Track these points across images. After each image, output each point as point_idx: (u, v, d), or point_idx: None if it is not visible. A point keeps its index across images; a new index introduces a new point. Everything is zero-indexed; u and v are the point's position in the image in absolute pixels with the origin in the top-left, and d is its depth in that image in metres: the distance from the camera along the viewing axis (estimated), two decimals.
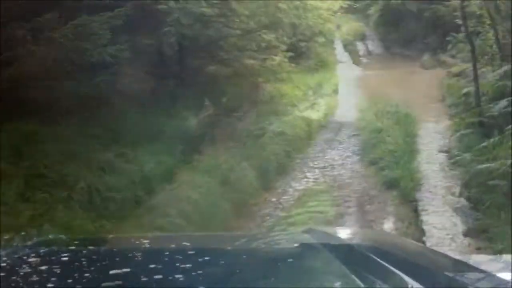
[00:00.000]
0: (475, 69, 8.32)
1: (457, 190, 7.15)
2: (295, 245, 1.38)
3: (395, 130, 9.71)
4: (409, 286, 0.86)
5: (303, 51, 14.48)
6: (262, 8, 8.58)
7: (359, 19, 25.68)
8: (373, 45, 22.88)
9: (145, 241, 1.42)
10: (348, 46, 22.08)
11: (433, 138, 10.20)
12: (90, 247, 1.33)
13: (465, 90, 8.47)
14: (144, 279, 0.95)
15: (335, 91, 14.62)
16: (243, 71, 9.28)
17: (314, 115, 11.06)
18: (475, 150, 6.93)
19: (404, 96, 13.05)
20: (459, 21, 15.53)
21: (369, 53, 21.86)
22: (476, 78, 8.18)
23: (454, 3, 18.30)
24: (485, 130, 7.84)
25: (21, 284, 0.97)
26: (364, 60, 20.88)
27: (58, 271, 1.03)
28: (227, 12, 8.35)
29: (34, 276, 1.00)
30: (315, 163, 9.00)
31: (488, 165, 5.91)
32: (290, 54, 12.47)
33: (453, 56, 17.90)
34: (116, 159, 5.83)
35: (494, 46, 10.11)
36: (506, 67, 8.61)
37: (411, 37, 20.62)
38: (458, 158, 7.25)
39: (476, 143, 7.97)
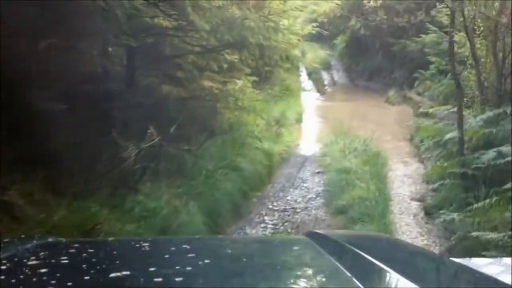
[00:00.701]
0: (460, 112, 7.35)
1: (436, 251, 6.08)
2: (295, 248, 1.34)
3: (365, 171, 8.62)
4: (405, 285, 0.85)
5: (268, 76, 13.33)
6: (227, 24, 7.33)
7: (324, 48, 25.03)
8: (338, 76, 22.12)
9: (145, 244, 1.37)
10: (313, 75, 21.21)
11: (403, 183, 9.18)
12: (90, 250, 1.30)
13: (448, 136, 7.39)
14: (144, 282, 0.96)
15: (299, 121, 13.53)
16: (200, 94, 7.99)
17: (276, 147, 9.86)
18: (467, 211, 5.85)
19: (371, 131, 12.12)
20: (430, 58, 14.92)
21: (334, 83, 21.05)
22: (461, 123, 7.19)
23: (424, 39, 17.83)
24: (468, 183, 6.81)
25: (21, 287, 0.96)
26: (328, 89, 20.02)
27: (58, 274, 1.02)
28: (185, 25, 7.07)
29: (34, 279, 0.99)
30: (275, 204, 7.75)
31: (485, 233, 4.81)
32: (253, 78, 11.35)
33: (419, 94, 17.27)
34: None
35: (474, 88, 9.22)
36: (490, 113, 7.69)
37: (377, 70, 19.94)
38: (443, 216, 6.16)
39: (456, 196, 6.96)
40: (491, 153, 6.53)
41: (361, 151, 10.00)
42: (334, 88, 20.15)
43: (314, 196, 8.27)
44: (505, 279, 1.11)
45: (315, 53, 24.64)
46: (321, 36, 26.16)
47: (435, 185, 7.32)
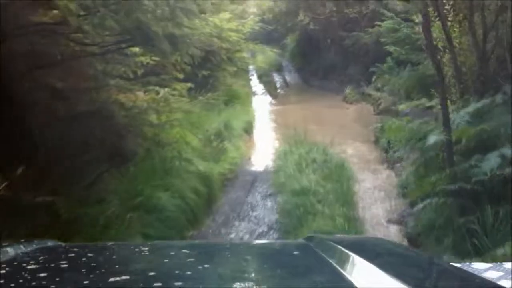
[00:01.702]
0: (444, 106, 5.43)
1: None
2: (295, 252, 1.29)
3: (327, 190, 6.67)
4: None
5: (208, 82, 11.25)
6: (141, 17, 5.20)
7: (275, 49, 23.18)
8: (291, 77, 20.26)
9: (145, 248, 1.35)
10: (264, 77, 19.26)
11: (375, 199, 7.28)
12: (90, 255, 1.26)
13: (432, 140, 5.42)
14: (144, 286, 0.94)
15: (248, 131, 11.50)
16: (101, 108, 5.85)
17: (218, 167, 7.79)
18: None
19: (329, 136, 10.27)
20: (387, 48, 13.18)
21: (286, 84, 19.14)
22: (447, 121, 5.30)
23: (377, 29, 16.17)
24: (465, 202, 4.93)
25: None
26: (281, 92, 18.10)
27: (58, 279, 0.99)
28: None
29: (34, 283, 0.97)
30: None
31: None
32: (188, 85, 9.27)
33: (378, 89, 15.59)
34: None
35: (448, 76, 7.40)
36: (477, 104, 5.86)
37: (331, 68, 18.15)
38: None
39: (449, 221, 5.06)
40: (493, 159, 4.67)
41: (321, 162, 8.05)
42: (287, 90, 18.24)
43: (266, 229, 6.25)
44: (505, 284, 1.11)
45: (265, 55, 22.78)
46: (271, 37, 24.36)
47: (419, 206, 5.37)
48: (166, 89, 7.13)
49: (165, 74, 7.98)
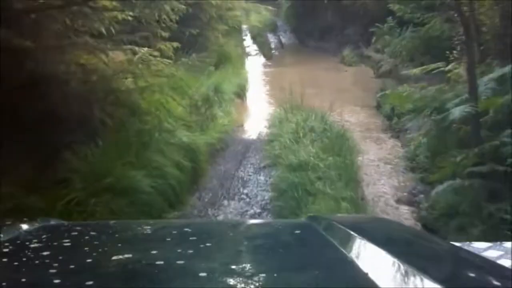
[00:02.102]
0: (472, 73, 4.50)
1: None
2: (297, 231, 1.27)
3: (327, 165, 5.81)
4: (406, 270, 0.81)
5: (196, 41, 10.18)
6: None
7: (269, 8, 21.94)
8: (286, 37, 19.09)
9: (147, 227, 1.34)
10: (258, 38, 18.10)
11: (381, 174, 6.44)
12: (92, 233, 1.24)
13: (457, 112, 4.49)
14: (146, 264, 0.93)
15: (240, 95, 10.53)
16: (69, 71, 4.88)
17: (206, 137, 6.88)
18: None
19: (328, 100, 9.36)
20: (391, 6, 12.05)
21: (281, 45, 18.00)
22: (474, 90, 4.38)
23: None
24: (494, 185, 4.08)
25: (23, 269, 0.93)
26: (276, 53, 16.99)
27: (60, 257, 0.99)
28: None
29: (36, 261, 0.96)
30: None
31: None
32: (175, 44, 8.26)
33: (378, 51, 14.56)
34: None
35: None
36: (506, 68, 4.94)
37: (328, 28, 16.99)
38: None
39: (476, 207, 4.22)
40: None
41: (320, 131, 7.16)
42: (282, 52, 17.13)
43: (258, 211, 5.42)
44: (505, 263, 1.11)
45: (260, 14, 21.53)
46: None
47: (439, 188, 4.53)
48: (145, 49, 6.14)
49: (146, 32, 7.00)
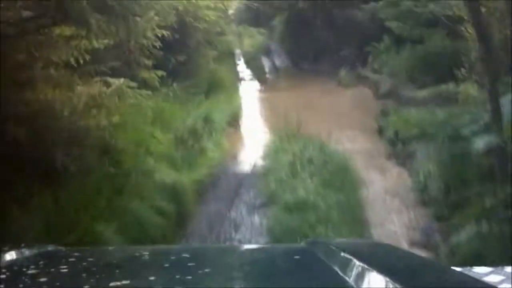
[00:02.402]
0: (494, 96, 3.83)
1: None
2: (296, 257, 1.24)
3: (329, 204, 5.08)
4: None
5: (187, 68, 9.55)
6: None
7: (262, 31, 21.52)
8: (280, 60, 18.54)
9: (145, 253, 1.33)
10: (252, 62, 17.54)
11: (389, 209, 5.71)
12: (90, 259, 1.25)
13: (481, 144, 3.78)
14: None
15: (233, 123, 9.86)
16: (30, 109, 4.20)
17: (193, 174, 6.17)
18: None
19: (326, 126, 8.71)
20: (387, 25, 11.46)
21: (275, 69, 17.42)
22: (497, 117, 3.69)
23: (372, 7, 14.46)
24: None
25: None
26: (270, 77, 16.39)
27: (58, 283, 0.99)
28: None
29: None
30: None
31: None
32: (160, 72, 7.68)
33: (376, 71, 13.98)
34: None
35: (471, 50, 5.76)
36: None
37: (323, 49, 16.43)
38: None
39: (504, 252, 3.49)
40: None
41: (319, 163, 6.46)
42: (276, 75, 16.54)
43: None
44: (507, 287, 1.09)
45: (253, 38, 21.07)
46: (258, 19, 22.64)
47: (461, 235, 3.78)
48: (121, 80, 5.47)
49: (122, 60, 6.39)
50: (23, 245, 1.29)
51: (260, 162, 7.67)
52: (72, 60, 4.93)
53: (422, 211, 5.51)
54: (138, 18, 4.61)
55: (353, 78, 14.01)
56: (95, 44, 5.08)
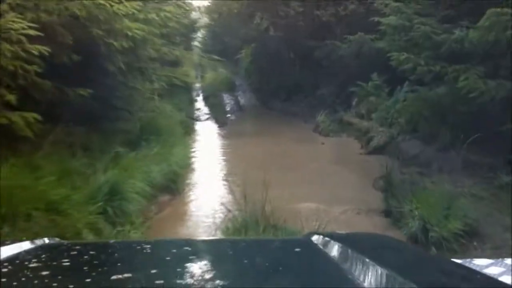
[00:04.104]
0: None
1: None
2: (297, 249, 1.19)
3: None
4: None
5: (97, 107, 6.06)
6: None
7: (228, 65, 18.39)
8: (245, 98, 15.30)
9: (146, 246, 1.25)
10: (211, 99, 14.22)
11: None
12: (92, 252, 1.17)
13: None
14: (146, 284, 0.88)
15: (169, 189, 6.36)
16: None
17: None
18: None
19: (302, 198, 5.49)
20: (392, 57, 8.32)
21: (239, 108, 14.10)
22: None
23: (359, 37, 11.45)
24: None
25: None
26: (232, 117, 13.03)
27: (60, 277, 0.94)
28: None
29: (36, 281, 0.92)
30: None
31: None
32: (35, 115, 4.27)
33: (362, 116, 10.86)
34: None
35: None
36: None
37: (296, 87, 13.24)
38: None
39: None
40: None
41: None
42: (240, 116, 13.18)
43: None
44: (507, 280, 1.04)
45: (216, 72, 17.88)
46: (225, 51, 19.54)
47: None
48: None
49: None
50: (24, 238, 1.22)
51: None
52: None
53: None
54: None
55: (334, 123, 10.80)
56: None
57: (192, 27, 17.91)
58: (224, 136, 10.70)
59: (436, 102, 7.69)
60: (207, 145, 9.66)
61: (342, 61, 11.50)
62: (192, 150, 8.61)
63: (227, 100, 14.49)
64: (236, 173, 7.17)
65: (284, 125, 11.14)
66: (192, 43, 22.26)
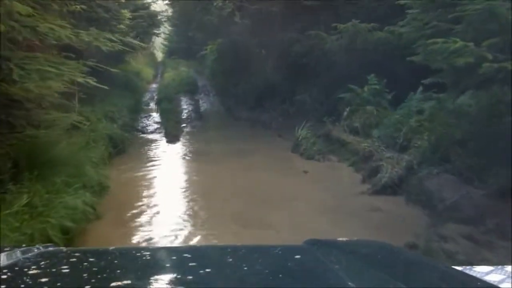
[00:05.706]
0: None
1: None
2: (297, 256, 1.13)
3: None
4: None
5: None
6: None
7: (193, 63, 15.26)
8: (208, 102, 12.13)
9: (146, 253, 1.20)
10: (164, 103, 10.96)
11: None
12: (91, 259, 1.13)
13: None
14: None
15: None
16: None
17: None
18: None
19: None
20: (415, 62, 5.11)
21: (199, 116, 10.84)
22: None
23: (352, 26, 8.30)
24: None
25: None
26: (188, 129, 9.78)
27: (59, 284, 0.91)
28: None
29: None
30: None
31: None
32: None
33: (356, 132, 7.86)
34: None
35: None
36: None
37: (269, 91, 10.16)
38: None
39: None
40: None
41: None
42: (198, 126, 9.96)
43: None
44: (507, 287, 1.00)
45: (177, 71, 14.70)
46: (192, 50, 16.39)
47: None
48: None
49: None
50: (24, 245, 1.19)
51: None
52: None
53: None
54: None
55: (319, 141, 7.76)
56: None
57: (152, 20, 14.70)
58: (174, 157, 7.48)
59: (478, 118, 4.81)
60: (148, 172, 6.45)
61: (328, 58, 8.51)
62: (95, 194, 5.28)
63: (185, 105, 11.28)
64: (201, 214, 4.06)
65: (252, 142, 8.05)
66: (154, 38, 19.00)
